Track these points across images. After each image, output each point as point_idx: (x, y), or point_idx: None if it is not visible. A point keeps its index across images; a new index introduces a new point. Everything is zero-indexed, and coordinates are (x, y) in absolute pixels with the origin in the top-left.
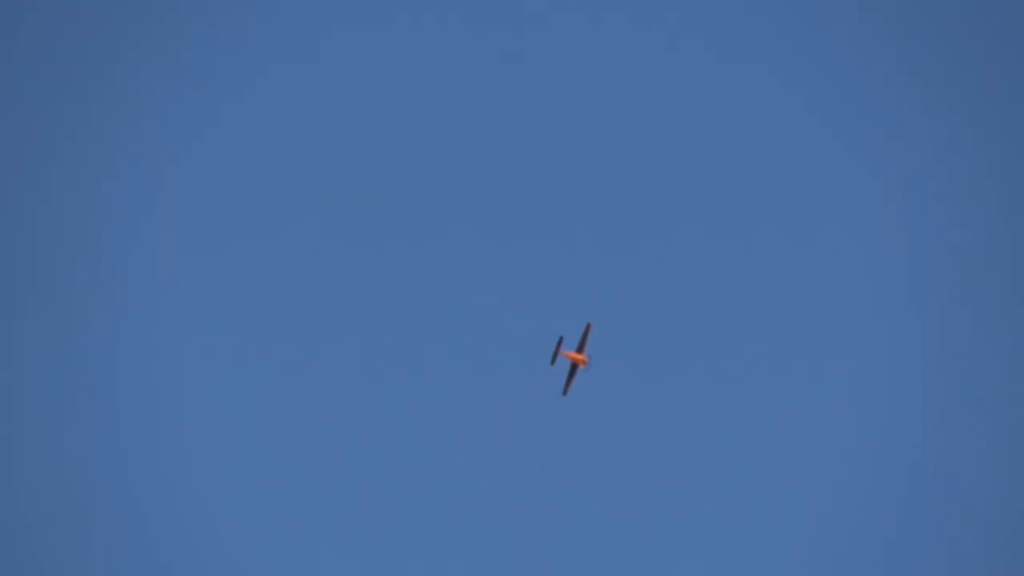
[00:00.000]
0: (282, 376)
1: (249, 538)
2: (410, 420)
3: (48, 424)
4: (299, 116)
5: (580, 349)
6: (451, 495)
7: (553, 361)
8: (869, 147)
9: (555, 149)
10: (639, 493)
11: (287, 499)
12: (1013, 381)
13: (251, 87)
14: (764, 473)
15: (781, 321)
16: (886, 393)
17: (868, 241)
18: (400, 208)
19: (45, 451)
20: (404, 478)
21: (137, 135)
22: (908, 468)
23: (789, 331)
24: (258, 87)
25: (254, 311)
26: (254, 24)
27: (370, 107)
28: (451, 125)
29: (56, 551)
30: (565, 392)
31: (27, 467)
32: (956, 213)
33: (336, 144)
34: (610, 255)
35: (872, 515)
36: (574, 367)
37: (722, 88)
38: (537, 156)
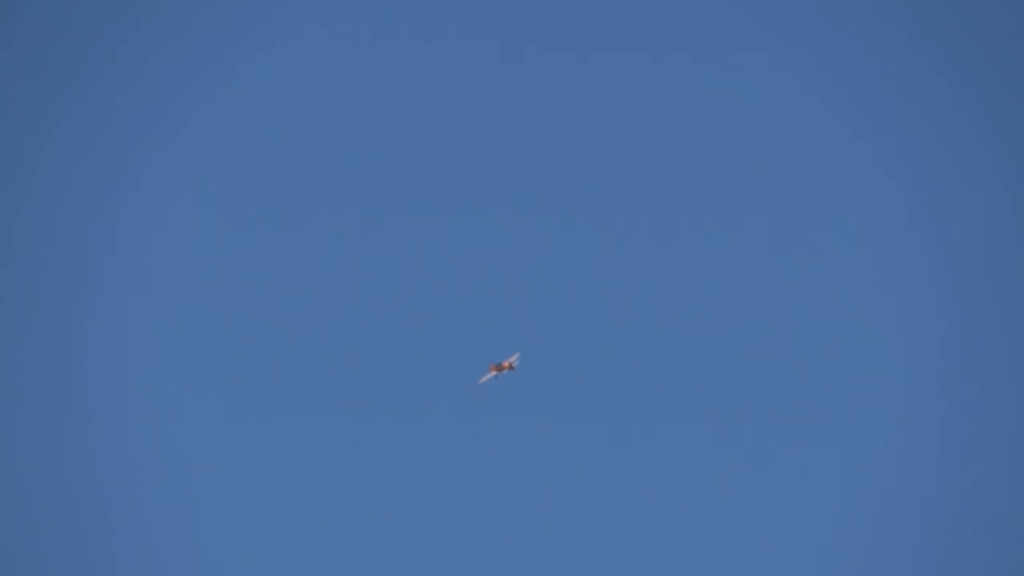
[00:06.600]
0: (278, 376)
1: (241, 543)
2: (406, 421)
3: (41, 425)
4: (295, 116)
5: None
6: (447, 505)
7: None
8: (871, 143)
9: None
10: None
11: (280, 503)
12: None
13: (247, 88)
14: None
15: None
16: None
17: (873, 244)
18: (398, 208)
19: (39, 452)
20: (399, 481)
21: (134, 134)
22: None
23: (791, 332)
24: (254, 88)
25: (249, 311)
26: (251, 23)
27: (367, 106)
28: (450, 125)
29: (49, 550)
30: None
31: (24, 467)
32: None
33: (332, 143)
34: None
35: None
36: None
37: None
38: (537, 162)
